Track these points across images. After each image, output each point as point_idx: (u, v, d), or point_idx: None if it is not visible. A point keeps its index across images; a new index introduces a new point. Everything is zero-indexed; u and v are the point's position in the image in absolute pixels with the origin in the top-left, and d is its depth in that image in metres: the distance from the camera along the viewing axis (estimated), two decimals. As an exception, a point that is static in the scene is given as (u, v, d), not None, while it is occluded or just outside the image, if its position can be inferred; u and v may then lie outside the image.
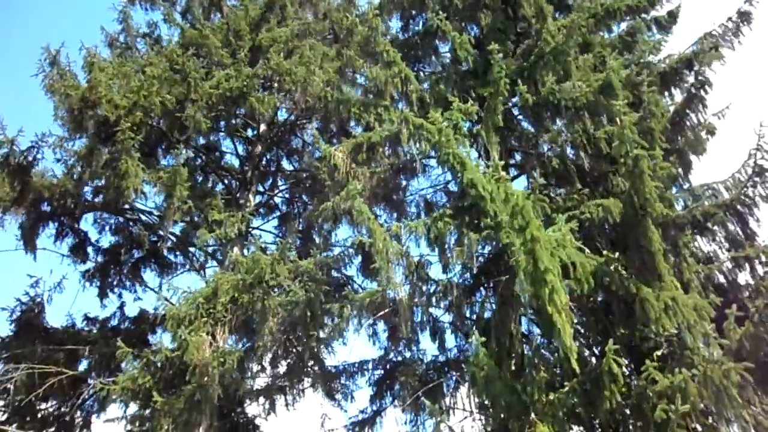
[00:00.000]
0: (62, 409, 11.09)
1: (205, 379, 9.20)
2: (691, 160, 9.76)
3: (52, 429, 11.07)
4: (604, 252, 8.12)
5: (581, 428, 9.03)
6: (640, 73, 10.04)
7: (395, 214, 13.00)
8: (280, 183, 14.86)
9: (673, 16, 11.40)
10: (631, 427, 7.55)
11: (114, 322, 12.26)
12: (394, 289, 9.19)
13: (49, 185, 10.62)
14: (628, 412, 7.53)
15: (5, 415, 10.60)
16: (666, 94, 10.30)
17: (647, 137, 8.25)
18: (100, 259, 12.56)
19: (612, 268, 7.86)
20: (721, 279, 9.04)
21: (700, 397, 6.50)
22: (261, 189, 14.12)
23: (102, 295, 12.45)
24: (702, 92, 9.49)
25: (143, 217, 12.51)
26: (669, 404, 6.50)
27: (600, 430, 8.64)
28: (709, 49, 9.81)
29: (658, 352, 7.59)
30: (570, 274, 7.59)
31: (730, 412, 6.39)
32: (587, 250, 8.21)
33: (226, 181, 13.60)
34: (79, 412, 11.41)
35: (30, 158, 10.57)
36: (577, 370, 6.79)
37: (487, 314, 9.91)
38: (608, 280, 7.72)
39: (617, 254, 8.08)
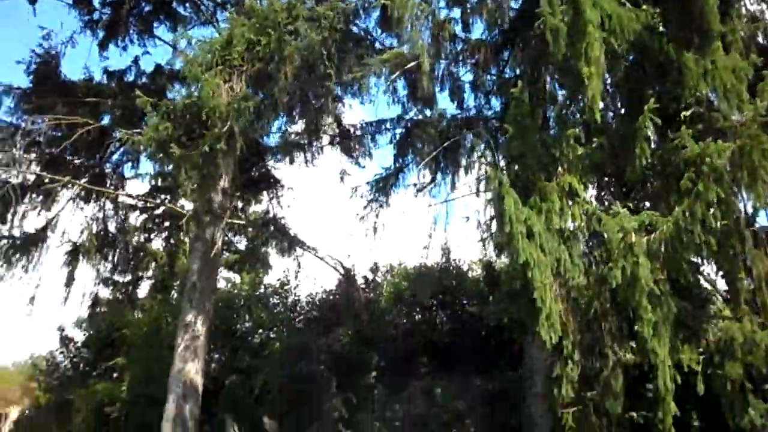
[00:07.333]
0: (91, 162, 11.36)
1: (223, 127, 9.02)
2: None
3: (84, 180, 11.41)
4: (643, 7, 7.66)
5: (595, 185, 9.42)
6: None
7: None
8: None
9: None
10: (650, 186, 7.78)
11: (130, 77, 12.00)
12: (417, 49, 8.82)
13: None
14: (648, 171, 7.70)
15: (39, 168, 10.85)
16: None
17: None
18: (106, 11, 11.87)
19: (652, 24, 7.46)
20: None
21: (729, 167, 6.48)
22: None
23: (103, 46, 11.92)
24: None
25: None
26: (694, 171, 6.57)
27: (614, 184, 9.01)
28: None
29: (687, 113, 7.56)
30: (605, 26, 7.18)
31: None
32: (627, 3, 7.73)
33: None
34: (108, 165, 11.81)
35: None
36: (598, 121, 6.82)
37: (511, 74, 9.69)
38: (646, 41, 7.37)
39: (658, 9, 7.64)
